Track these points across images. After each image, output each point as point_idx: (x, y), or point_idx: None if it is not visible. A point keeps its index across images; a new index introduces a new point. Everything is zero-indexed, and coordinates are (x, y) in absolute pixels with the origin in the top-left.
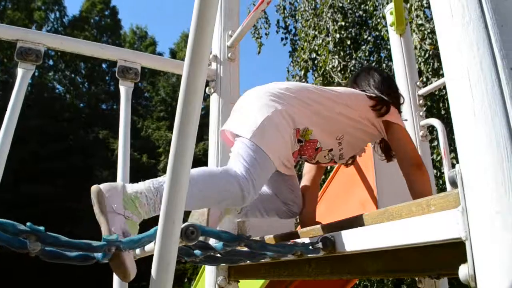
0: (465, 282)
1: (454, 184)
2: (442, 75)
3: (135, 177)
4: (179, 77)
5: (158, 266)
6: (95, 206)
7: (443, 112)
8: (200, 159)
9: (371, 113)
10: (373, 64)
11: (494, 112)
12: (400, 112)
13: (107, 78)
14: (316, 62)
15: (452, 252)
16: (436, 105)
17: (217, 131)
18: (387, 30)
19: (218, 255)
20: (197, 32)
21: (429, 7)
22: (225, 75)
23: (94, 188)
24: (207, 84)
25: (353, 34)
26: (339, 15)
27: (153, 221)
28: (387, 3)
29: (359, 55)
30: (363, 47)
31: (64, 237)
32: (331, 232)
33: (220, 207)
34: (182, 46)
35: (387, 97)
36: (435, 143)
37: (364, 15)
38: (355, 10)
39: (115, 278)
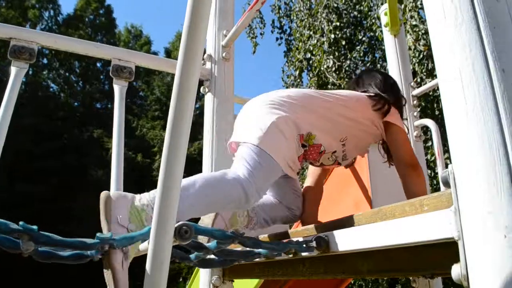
0: (458, 282)
1: (447, 184)
2: (436, 76)
3: (129, 177)
4: (174, 76)
5: (152, 265)
6: (102, 213)
7: (437, 112)
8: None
9: (372, 114)
10: (368, 64)
11: (486, 113)
12: (402, 113)
13: (101, 77)
14: (311, 62)
15: (445, 252)
16: (430, 105)
17: (211, 131)
18: (381, 31)
19: (213, 256)
20: (191, 31)
21: (423, 8)
22: (219, 74)
23: (103, 194)
24: (201, 84)
25: (348, 34)
26: (334, 16)
27: None
28: (382, 4)
29: (354, 55)
30: (358, 47)
31: (57, 236)
32: (325, 232)
33: (226, 210)
34: (177, 46)
35: (388, 98)
36: (429, 143)
37: (359, 15)
38: (350, 11)
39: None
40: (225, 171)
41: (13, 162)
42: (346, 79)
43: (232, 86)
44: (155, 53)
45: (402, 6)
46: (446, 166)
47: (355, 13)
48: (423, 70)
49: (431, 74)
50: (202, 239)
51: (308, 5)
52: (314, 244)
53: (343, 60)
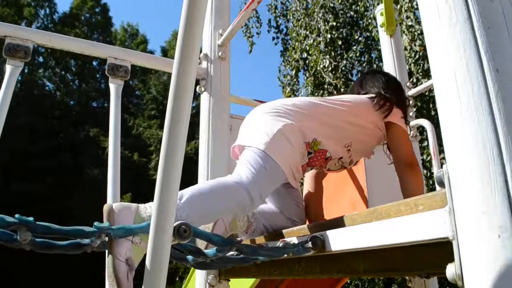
0: (452, 281)
1: (441, 184)
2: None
3: (126, 176)
4: (170, 75)
5: (152, 264)
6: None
7: (433, 112)
8: (192, 158)
9: (376, 116)
10: (364, 64)
11: (480, 113)
12: (406, 115)
13: (97, 75)
14: (307, 62)
15: (440, 252)
16: (426, 105)
17: (207, 130)
18: (378, 31)
19: (210, 260)
20: (187, 30)
21: (419, 9)
22: (215, 73)
23: (106, 207)
24: (197, 83)
25: (344, 34)
26: (330, 15)
27: None
28: (378, 4)
29: (350, 55)
30: (354, 47)
31: (55, 225)
32: (321, 231)
33: (231, 215)
34: (174, 45)
35: (391, 98)
36: (425, 143)
37: (355, 15)
38: (346, 11)
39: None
40: (229, 176)
41: (9, 161)
42: (343, 79)
43: (228, 85)
44: (151, 52)
45: (398, 6)
46: (442, 166)
47: (352, 13)
48: (419, 70)
49: (427, 74)
50: (201, 244)
51: (305, 4)
52: (310, 245)
53: (340, 60)
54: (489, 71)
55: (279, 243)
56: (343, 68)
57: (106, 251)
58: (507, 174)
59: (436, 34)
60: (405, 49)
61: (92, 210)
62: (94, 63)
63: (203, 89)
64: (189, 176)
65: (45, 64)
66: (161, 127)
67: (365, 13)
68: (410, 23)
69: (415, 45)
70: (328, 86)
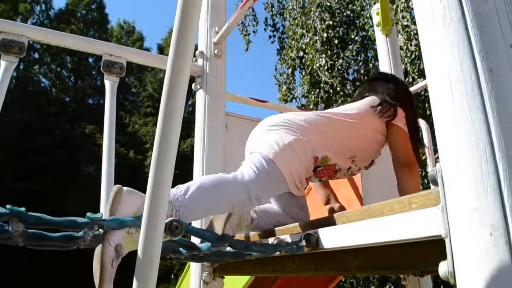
0: (445, 279)
1: (434, 182)
2: None
3: (122, 173)
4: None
5: (142, 261)
6: (108, 205)
7: (428, 112)
8: (188, 156)
9: (377, 121)
10: (360, 63)
11: (473, 112)
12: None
13: (93, 72)
14: (303, 60)
15: (433, 249)
16: (422, 105)
17: (203, 127)
18: (374, 30)
19: (204, 254)
20: (181, 27)
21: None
22: (211, 71)
23: (116, 187)
24: (193, 80)
25: (341, 33)
26: (326, 14)
27: None
28: (374, 4)
29: (346, 54)
30: (350, 46)
31: (47, 216)
32: (315, 229)
33: (230, 210)
34: (170, 42)
35: (399, 104)
36: None
37: (351, 15)
38: (343, 10)
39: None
40: (232, 174)
41: (4, 158)
42: (339, 78)
43: (224, 83)
44: (147, 49)
45: (394, 6)
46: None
47: (348, 12)
48: (415, 70)
49: (423, 74)
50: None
51: (301, 3)
52: (303, 243)
53: (336, 59)
54: (482, 70)
55: (273, 241)
56: (339, 67)
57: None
58: (499, 173)
59: (431, 34)
60: (401, 48)
61: (88, 206)
62: (90, 60)
63: (198, 87)
64: (185, 174)
65: (41, 60)
66: (157, 124)
67: (362, 12)
68: (406, 23)
69: (410, 45)
70: (324, 85)
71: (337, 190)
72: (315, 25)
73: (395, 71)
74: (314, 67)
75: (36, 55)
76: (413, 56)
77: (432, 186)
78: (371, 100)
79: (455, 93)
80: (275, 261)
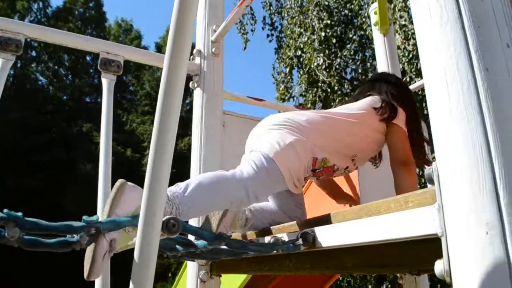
0: (441, 277)
1: (431, 181)
2: None
3: (119, 171)
4: None
5: (140, 259)
6: (110, 198)
7: (426, 111)
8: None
9: (379, 122)
10: (358, 63)
11: (469, 111)
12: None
13: (91, 70)
14: (301, 59)
15: (429, 248)
16: (419, 104)
17: (200, 126)
18: (372, 30)
19: (200, 251)
20: (178, 25)
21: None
22: (208, 70)
23: (120, 181)
24: (190, 79)
25: (339, 32)
26: (324, 14)
27: None
28: (372, 3)
29: (344, 53)
30: (348, 46)
31: (44, 221)
32: (312, 227)
33: (229, 207)
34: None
35: (400, 105)
36: None
37: (349, 14)
38: (341, 9)
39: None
40: (231, 171)
41: (1, 156)
42: (337, 77)
43: (221, 81)
44: (145, 48)
45: (392, 5)
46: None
47: (346, 11)
48: (412, 70)
49: (420, 73)
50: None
51: (299, 2)
52: (300, 241)
53: (334, 58)
54: (478, 70)
55: (270, 239)
56: (337, 66)
57: None
58: (495, 172)
59: (428, 33)
60: (399, 48)
61: (85, 205)
62: (88, 58)
63: (196, 85)
64: (182, 172)
65: (38, 58)
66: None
67: (360, 11)
68: (403, 23)
69: (408, 44)
70: (322, 84)
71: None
72: (313, 24)
73: (393, 70)
74: (312, 66)
75: (34, 53)
76: (410, 55)
77: (428, 185)
78: (373, 100)
79: (452, 92)
80: (272, 260)
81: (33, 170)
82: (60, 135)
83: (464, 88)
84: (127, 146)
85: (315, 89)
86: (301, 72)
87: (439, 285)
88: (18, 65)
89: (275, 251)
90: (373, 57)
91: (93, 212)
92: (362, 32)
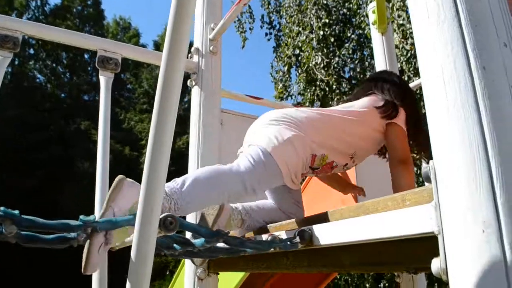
0: (437, 275)
1: (428, 179)
2: None
3: (117, 169)
4: None
5: (137, 256)
6: (109, 192)
7: (424, 110)
8: (183, 152)
9: (378, 121)
10: (356, 62)
11: (466, 110)
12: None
13: (89, 68)
14: (299, 58)
15: (426, 246)
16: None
17: (198, 124)
18: (370, 29)
19: (197, 250)
20: (176, 23)
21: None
22: (206, 68)
23: (120, 177)
24: (189, 77)
25: (337, 31)
26: (323, 12)
27: None
28: (370, 2)
29: (343, 52)
30: (347, 44)
31: (41, 219)
32: (309, 225)
33: (227, 201)
34: None
35: (401, 104)
36: None
37: (348, 13)
38: (339, 8)
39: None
40: (228, 165)
41: None
42: (335, 76)
43: (219, 79)
44: (143, 46)
45: (390, 5)
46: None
47: (344, 10)
48: (411, 69)
49: (418, 72)
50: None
51: (298, 1)
52: (297, 239)
53: (332, 57)
54: (476, 68)
55: (267, 237)
56: (335, 65)
57: None
58: (492, 171)
59: (425, 32)
60: (397, 47)
61: (83, 203)
62: (86, 56)
63: (194, 83)
64: (181, 170)
65: (36, 56)
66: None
67: (358, 10)
68: (401, 22)
69: (406, 43)
70: (320, 83)
71: (331, 188)
72: (312, 23)
73: (391, 69)
74: (310, 65)
75: (32, 51)
76: (408, 54)
77: (426, 184)
78: (374, 99)
79: (449, 90)
80: (270, 258)
81: (30, 168)
82: (58, 133)
83: (461, 87)
84: (125, 144)
85: (313, 88)
86: (299, 71)
87: (436, 284)
88: (16, 62)
89: (272, 249)
90: (371, 56)
91: (91, 210)
92: (360, 31)
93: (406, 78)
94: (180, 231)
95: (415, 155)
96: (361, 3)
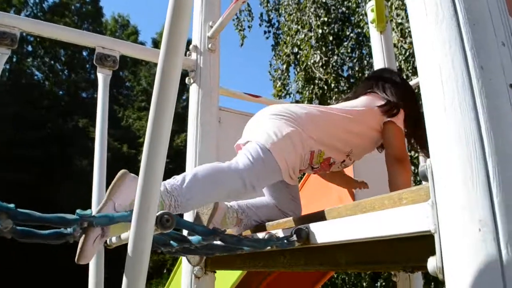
0: (433, 274)
1: (425, 178)
2: None
3: (115, 167)
4: None
5: (133, 254)
6: (111, 186)
7: (422, 109)
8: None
9: (376, 120)
10: (355, 60)
11: (464, 108)
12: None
13: (87, 66)
14: (298, 56)
15: (422, 245)
16: None
17: (195, 122)
18: (369, 27)
19: (194, 247)
20: (174, 19)
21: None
22: (205, 65)
23: (122, 171)
24: (187, 75)
25: (336, 30)
26: (322, 11)
27: None
28: (369, 0)
29: (341, 51)
30: (345, 43)
31: (37, 212)
32: (306, 224)
33: (226, 199)
34: None
35: (402, 103)
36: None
37: (347, 11)
38: (338, 6)
39: (91, 263)
40: (227, 162)
41: None
42: (333, 75)
43: (217, 77)
44: (142, 43)
45: (389, 3)
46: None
47: (343, 9)
48: (409, 68)
49: (417, 71)
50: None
51: None
52: (294, 237)
53: (330, 56)
54: (473, 67)
55: (264, 235)
56: (334, 63)
57: None
58: (488, 170)
59: (423, 31)
60: (395, 46)
61: (80, 201)
62: (84, 53)
63: (192, 81)
64: (179, 168)
65: (34, 53)
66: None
67: (357, 9)
68: (400, 21)
69: (405, 42)
70: (319, 81)
71: (330, 186)
72: (310, 21)
73: (389, 67)
74: (309, 63)
75: (30, 48)
76: (407, 53)
77: (423, 182)
78: (373, 99)
79: (446, 89)
80: (266, 256)
81: (28, 165)
82: (55, 130)
83: (459, 86)
84: (123, 142)
85: (312, 86)
86: (298, 69)
87: (433, 283)
88: (14, 59)
89: (269, 247)
90: (370, 54)
91: (88, 208)
92: (359, 30)
93: (404, 77)
94: (177, 229)
95: (413, 153)
96: (360, 1)
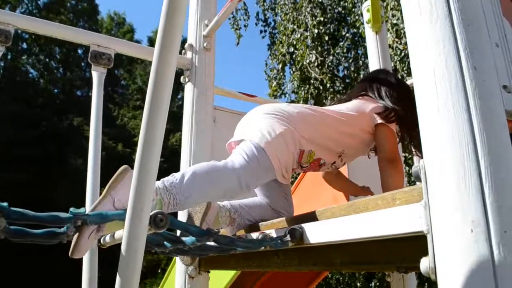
0: (426, 275)
1: (418, 178)
2: None
3: (110, 166)
4: None
5: (126, 254)
6: (110, 181)
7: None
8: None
9: (369, 122)
10: (350, 60)
11: (457, 109)
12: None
13: (82, 64)
14: (294, 56)
15: (415, 245)
16: None
17: (190, 121)
18: (364, 28)
19: (188, 248)
20: (168, 17)
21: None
22: (200, 64)
23: (124, 167)
24: (182, 73)
25: (332, 30)
26: (318, 11)
27: None
28: (365, 0)
29: (337, 51)
30: (341, 43)
31: (30, 211)
32: (300, 224)
33: (220, 199)
34: None
35: (396, 106)
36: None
37: (343, 11)
38: (334, 6)
39: (85, 261)
40: (222, 161)
41: None
42: (329, 75)
43: (212, 76)
44: (138, 42)
45: (385, 3)
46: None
47: (339, 9)
48: (404, 68)
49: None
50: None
51: None
52: (288, 237)
53: (326, 56)
54: (467, 68)
55: (258, 235)
56: (330, 63)
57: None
58: (481, 170)
59: (417, 30)
60: (390, 47)
61: (75, 200)
62: (79, 51)
63: (187, 80)
64: (174, 167)
65: (29, 50)
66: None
67: (353, 9)
68: (395, 22)
69: (400, 43)
70: (314, 81)
71: (323, 186)
72: (306, 21)
73: (384, 68)
74: (305, 63)
75: (25, 45)
76: (402, 54)
77: (417, 183)
78: (365, 103)
79: (440, 90)
80: (260, 256)
81: (23, 164)
82: (50, 128)
83: (452, 86)
84: (118, 141)
85: (307, 86)
86: (294, 69)
87: (426, 284)
88: (9, 57)
89: (263, 247)
90: (366, 55)
91: (84, 206)
92: (355, 30)
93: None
94: (171, 229)
95: (407, 154)
96: (356, 1)
